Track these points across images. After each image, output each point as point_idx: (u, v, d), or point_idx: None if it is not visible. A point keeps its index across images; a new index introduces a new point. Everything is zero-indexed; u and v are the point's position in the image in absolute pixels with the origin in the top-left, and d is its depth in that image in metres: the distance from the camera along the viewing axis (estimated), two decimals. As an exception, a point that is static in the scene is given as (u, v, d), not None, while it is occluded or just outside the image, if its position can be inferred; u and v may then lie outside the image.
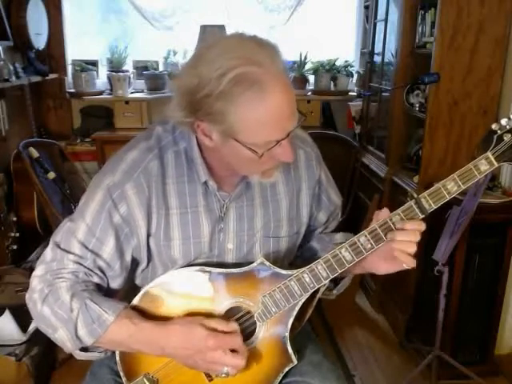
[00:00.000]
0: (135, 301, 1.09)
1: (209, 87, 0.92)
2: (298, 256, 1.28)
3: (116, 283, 1.12)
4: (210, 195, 1.11)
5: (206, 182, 1.09)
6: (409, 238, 1.01)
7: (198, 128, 0.99)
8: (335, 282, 1.16)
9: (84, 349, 1.07)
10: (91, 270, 1.08)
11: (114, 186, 1.06)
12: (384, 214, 1.03)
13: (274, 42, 0.98)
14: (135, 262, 1.15)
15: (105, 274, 1.10)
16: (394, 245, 1.01)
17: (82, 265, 1.07)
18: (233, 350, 1.02)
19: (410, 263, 1.02)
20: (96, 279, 1.09)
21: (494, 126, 1.02)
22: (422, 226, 1.02)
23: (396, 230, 1.02)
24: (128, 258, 1.11)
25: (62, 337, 1.04)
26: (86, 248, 1.07)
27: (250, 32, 0.98)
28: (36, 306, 1.06)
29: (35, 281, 1.07)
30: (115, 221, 1.07)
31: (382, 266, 1.07)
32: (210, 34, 3.05)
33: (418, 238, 1.01)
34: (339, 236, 1.23)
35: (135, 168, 1.07)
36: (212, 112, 0.94)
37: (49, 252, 1.09)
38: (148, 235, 1.10)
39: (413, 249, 1.01)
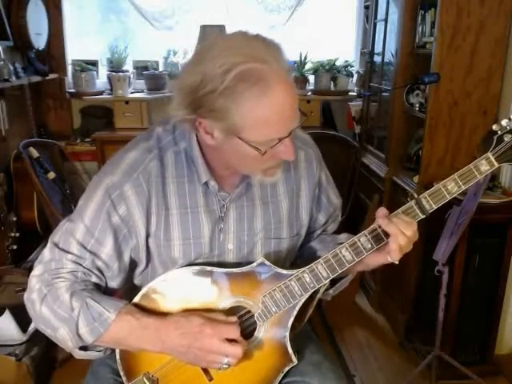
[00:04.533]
0: (136, 299, 1.09)
1: (212, 84, 0.91)
2: (298, 256, 1.28)
3: (114, 283, 1.12)
4: (210, 195, 1.11)
5: (206, 183, 1.09)
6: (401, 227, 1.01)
7: (200, 125, 0.99)
8: (333, 282, 1.15)
9: (83, 348, 1.07)
10: (90, 270, 1.08)
11: (113, 186, 1.06)
12: (382, 211, 1.03)
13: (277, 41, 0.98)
14: (134, 263, 1.14)
15: (103, 274, 1.10)
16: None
17: (80, 265, 1.07)
18: (231, 341, 1.02)
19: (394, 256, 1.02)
20: (94, 279, 1.09)
21: (494, 127, 1.02)
22: (413, 225, 1.02)
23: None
24: (126, 259, 1.11)
25: (63, 336, 1.04)
26: (85, 248, 1.06)
27: (253, 31, 0.98)
28: (35, 306, 1.05)
29: (33, 280, 1.07)
30: (114, 221, 1.07)
31: (372, 261, 1.08)
32: (210, 34, 3.05)
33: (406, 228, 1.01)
34: (343, 236, 1.22)
35: (135, 168, 1.06)
36: (215, 109, 0.93)
37: (47, 252, 1.08)
38: (147, 236, 1.10)
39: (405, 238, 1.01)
